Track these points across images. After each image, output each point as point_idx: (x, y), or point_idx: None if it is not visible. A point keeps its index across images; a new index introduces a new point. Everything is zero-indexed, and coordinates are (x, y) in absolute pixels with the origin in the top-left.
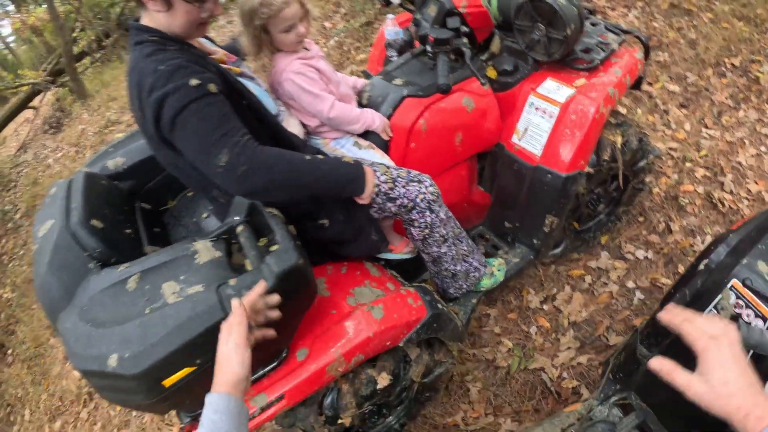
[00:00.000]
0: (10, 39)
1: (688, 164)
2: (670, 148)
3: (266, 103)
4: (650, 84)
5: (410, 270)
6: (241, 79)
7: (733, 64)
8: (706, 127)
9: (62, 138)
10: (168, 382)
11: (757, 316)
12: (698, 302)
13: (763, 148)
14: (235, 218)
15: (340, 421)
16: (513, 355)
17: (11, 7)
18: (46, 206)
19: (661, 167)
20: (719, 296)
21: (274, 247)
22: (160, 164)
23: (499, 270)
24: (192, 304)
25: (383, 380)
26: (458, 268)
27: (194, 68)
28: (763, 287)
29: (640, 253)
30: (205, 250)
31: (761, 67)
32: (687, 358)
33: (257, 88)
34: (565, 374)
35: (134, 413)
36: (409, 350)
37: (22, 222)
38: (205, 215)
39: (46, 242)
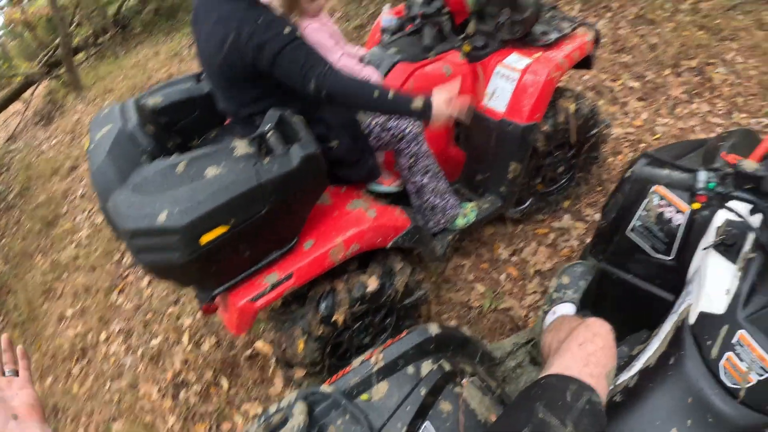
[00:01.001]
0: (0, 32)
1: (642, 145)
2: (628, 133)
3: None
4: (613, 81)
5: None
6: None
7: (689, 66)
8: (661, 116)
9: (56, 127)
10: (205, 238)
11: (678, 212)
12: (629, 207)
13: (712, 134)
14: (267, 126)
15: (333, 319)
16: (485, 297)
17: (4, 1)
18: (102, 118)
19: (618, 147)
20: (646, 199)
21: (299, 142)
22: (191, 106)
23: (471, 211)
24: (234, 173)
25: (372, 283)
26: (437, 201)
27: (284, 21)
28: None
29: (598, 216)
30: (242, 146)
31: (716, 68)
32: (628, 260)
33: None
34: (531, 314)
35: (127, 364)
36: (394, 262)
37: (15, 201)
38: None
39: (104, 140)
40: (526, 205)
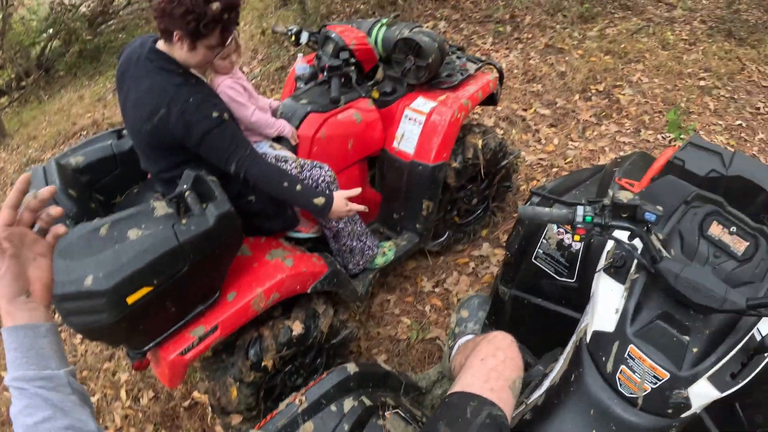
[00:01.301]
0: None
1: (554, 169)
2: (540, 159)
3: None
4: (525, 110)
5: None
6: None
7: (597, 90)
8: (572, 140)
9: None
10: (132, 298)
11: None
12: (530, 237)
13: (621, 153)
14: (184, 186)
15: (263, 365)
16: (412, 329)
17: None
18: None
19: (531, 173)
20: (546, 228)
21: (214, 202)
22: (112, 163)
23: (390, 250)
24: (153, 236)
25: (297, 327)
26: (355, 244)
27: (212, 101)
28: None
29: None
30: (161, 207)
31: (623, 90)
32: (536, 285)
33: None
34: None
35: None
36: (317, 306)
37: None
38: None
39: None
40: (444, 237)
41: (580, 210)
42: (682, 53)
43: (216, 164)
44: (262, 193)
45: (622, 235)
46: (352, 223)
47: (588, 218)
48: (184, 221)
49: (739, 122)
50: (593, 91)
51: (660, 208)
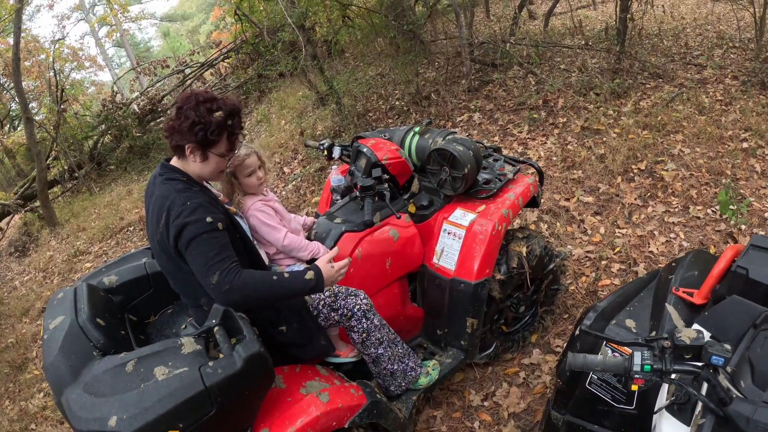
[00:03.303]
0: None
1: (604, 262)
2: (587, 251)
3: (249, 235)
4: (567, 200)
5: (357, 375)
6: (236, 217)
7: (639, 169)
8: (619, 227)
9: (29, 262)
10: None
11: None
12: None
13: (672, 235)
14: (212, 321)
15: None
16: None
17: None
18: (56, 305)
19: (580, 269)
20: (600, 353)
21: (242, 341)
22: (146, 284)
23: (434, 369)
24: (179, 379)
25: None
26: (396, 367)
27: (210, 208)
28: (630, 337)
29: None
30: (189, 344)
31: (665, 165)
32: (591, 411)
33: (244, 225)
34: None
35: None
36: None
37: None
38: (183, 327)
39: (56, 332)
40: (492, 348)
41: (637, 357)
42: (719, 115)
43: (198, 274)
44: (294, 321)
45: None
46: (392, 346)
47: (647, 367)
48: (211, 363)
49: None
50: (635, 170)
51: (728, 347)
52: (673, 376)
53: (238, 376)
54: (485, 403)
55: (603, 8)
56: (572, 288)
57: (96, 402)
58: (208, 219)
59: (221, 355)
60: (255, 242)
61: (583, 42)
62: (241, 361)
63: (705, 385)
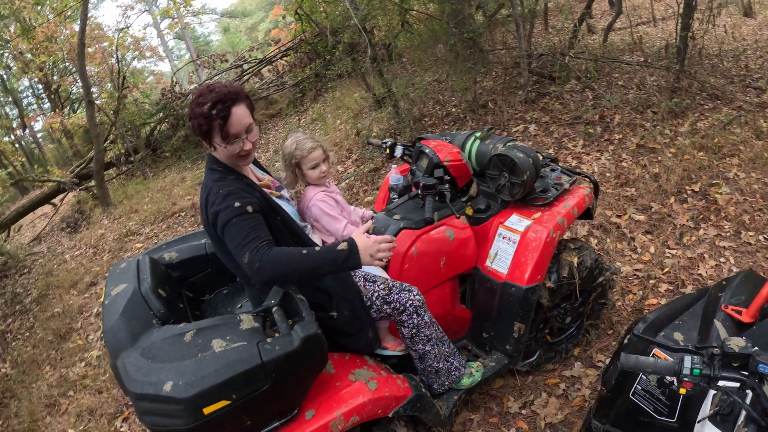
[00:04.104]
0: (39, 135)
1: (652, 281)
2: (636, 270)
3: (295, 218)
4: (619, 216)
5: (402, 370)
6: (279, 200)
7: (693, 190)
8: (669, 248)
9: (80, 238)
10: (208, 409)
11: None
12: (629, 372)
13: (722, 259)
14: (271, 301)
15: None
16: None
17: (47, 105)
18: (119, 274)
19: (627, 286)
20: None
21: (300, 322)
22: (204, 263)
23: (477, 371)
24: (237, 351)
25: None
26: (441, 365)
27: (241, 194)
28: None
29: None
30: (247, 321)
31: (719, 189)
32: (632, 423)
33: (290, 208)
34: None
35: None
36: (397, 429)
37: (31, 307)
38: (239, 306)
39: (119, 298)
40: (535, 357)
41: (687, 361)
42: None
43: (235, 255)
44: (345, 309)
45: (730, 385)
46: (439, 345)
47: (696, 371)
48: (269, 340)
49: None
50: (689, 192)
51: None
52: (720, 383)
53: (294, 354)
54: (523, 411)
55: (663, 25)
56: (618, 304)
57: (153, 367)
58: (236, 204)
59: (277, 335)
60: (314, 231)
61: (642, 59)
62: (298, 340)
63: (750, 395)
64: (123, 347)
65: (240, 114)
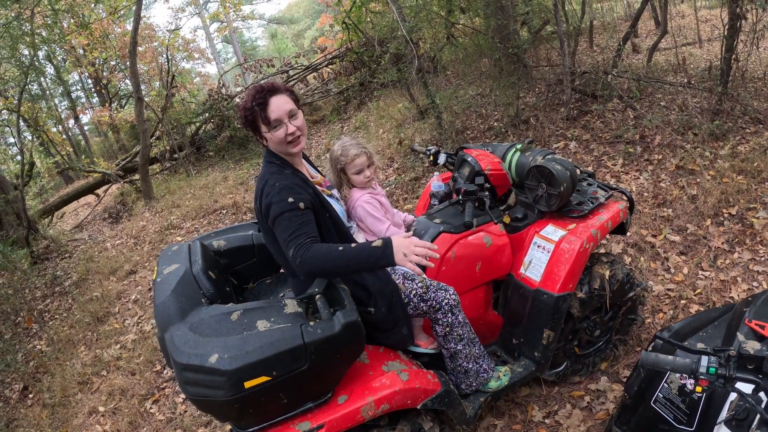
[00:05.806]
0: (86, 128)
1: (683, 301)
2: (668, 289)
3: (342, 217)
4: (654, 236)
5: (432, 369)
6: (329, 199)
7: (730, 213)
8: (702, 269)
9: (122, 228)
10: (249, 383)
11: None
12: (651, 380)
13: (755, 284)
14: (315, 289)
15: None
16: None
17: (96, 100)
18: (171, 255)
19: (658, 305)
20: (668, 373)
21: (342, 310)
22: (250, 253)
23: (504, 375)
24: (281, 331)
25: None
26: (470, 366)
27: (296, 189)
28: None
29: None
30: (291, 305)
31: (756, 213)
32: (650, 427)
33: (339, 207)
34: None
35: None
36: (423, 422)
37: (70, 289)
38: (282, 295)
39: (170, 276)
40: (562, 367)
41: (704, 360)
42: None
43: (282, 247)
44: (383, 306)
45: (746, 386)
46: (470, 345)
47: (712, 369)
48: (312, 323)
49: None
50: (725, 215)
51: None
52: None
53: (334, 338)
54: (546, 420)
55: (709, 46)
56: (648, 321)
57: (200, 340)
58: (290, 199)
59: (319, 320)
60: (359, 231)
61: (686, 80)
62: (339, 325)
63: (765, 399)
64: (172, 321)
65: (279, 102)
